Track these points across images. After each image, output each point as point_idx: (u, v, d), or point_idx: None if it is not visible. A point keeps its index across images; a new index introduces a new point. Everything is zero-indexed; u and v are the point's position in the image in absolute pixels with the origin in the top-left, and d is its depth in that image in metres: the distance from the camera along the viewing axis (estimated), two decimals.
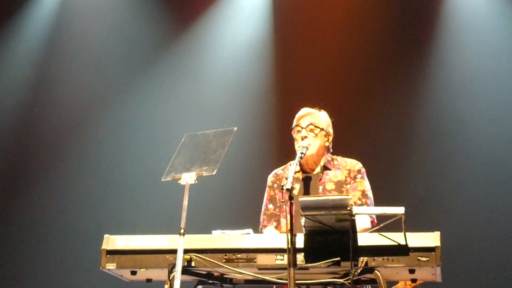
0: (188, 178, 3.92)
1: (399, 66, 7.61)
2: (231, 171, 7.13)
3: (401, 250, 3.84)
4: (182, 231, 3.81)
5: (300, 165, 4.70)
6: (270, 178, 4.87)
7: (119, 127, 7.91)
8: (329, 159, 4.79)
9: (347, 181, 4.70)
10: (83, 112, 7.93)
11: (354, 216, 3.83)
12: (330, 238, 3.87)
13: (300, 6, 7.86)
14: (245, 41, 7.94)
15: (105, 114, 7.94)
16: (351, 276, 3.82)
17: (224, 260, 3.98)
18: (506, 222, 7.08)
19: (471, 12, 7.61)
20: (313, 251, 3.88)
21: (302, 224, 3.94)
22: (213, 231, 4.17)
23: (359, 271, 3.84)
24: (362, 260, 3.85)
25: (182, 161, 4.03)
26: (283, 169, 4.85)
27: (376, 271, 3.88)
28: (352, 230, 3.83)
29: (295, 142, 4.75)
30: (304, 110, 4.83)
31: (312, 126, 4.74)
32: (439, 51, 7.61)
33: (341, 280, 3.93)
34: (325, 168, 4.75)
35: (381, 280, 3.87)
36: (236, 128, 4.04)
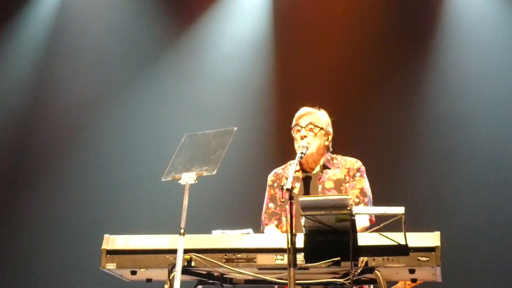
0: (188, 178, 3.92)
1: (399, 65, 7.61)
2: (231, 171, 7.12)
3: (401, 250, 3.84)
4: (182, 231, 3.81)
5: (300, 164, 4.71)
6: (270, 177, 4.87)
7: (119, 127, 7.91)
8: (329, 158, 4.79)
9: (346, 180, 4.71)
10: (83, 112, 7.93)
11: (354, 216, 3.83)
12: (330, 238, 3.87)
13: (300, 6, 7.85)
14: (245, 41, 7.94)
15: (105, 114, 7.94)
16: (351, 276, 3.82)
17: (224, 260, 3.98)
18: (506, 222, 7.08)
19: (471, 11, 7.61)
20: (313, 251, 3.88)
21: (302, 224, 3.94)
22: (213, 231, 4.17)
23: (359, 271, 3.85)
24: (362, 260, 3.85)
25: (182, 161, 4.03)
26: (283, 169, 4.85)
27: (376, 271, 3.88)
28: (352, 230, 3.83)
29: (295, 142, 4.76)
30: (303, 110, 4.84)
31: (312, 125, 4.74)
32: (439, 50, 7.61)
33: (341, 280, 3.93)
34: (324, 167, 4.75)
35: (381, 280, 3.87)
36: (236, 128, 4.04)
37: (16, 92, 7.99)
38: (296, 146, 4.72)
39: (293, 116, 4.85)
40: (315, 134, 4.73)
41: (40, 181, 7.85)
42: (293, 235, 3.78)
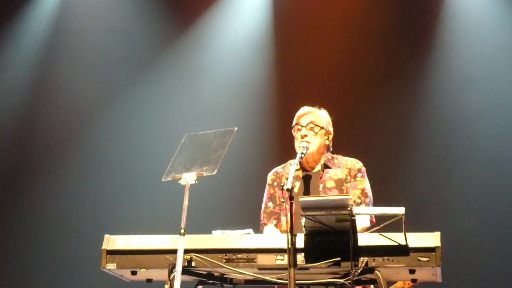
0: (188, 178, 3.92)
1: (399, 65, 7.61)
2: (231, 171, 7.12)
3: (402, 250, 3.84)
4: (182, 231, 3.80)
5: (300, 163, 4.71)
6: (270, 176, 4.88)
7: (119, 127, 7.91)
8: (329, 157, 4.80)
9: (347, 180, 4.71)
10: (83, 112, 7.93)
11: (354, 216, 3.83)
12: (330, 238, 3.87)
13: (300, 5, 7.85)
14: (246, 40, 7.93)
15: (105, 114, 7.94)
16: (351, 276, 3.82)
17: (224, 260, 3.98)
18: (506, 222, 7.08)
19: (471, 11, 7.60)
20: (314, 251, 3.88)
21: (303, 224, 3.94)
22: (213, 231, 4.17)
23: (359, 271, 3.84)
24: (362, 260, 3.85)
25: (183, 161, 4.03)
26: (283, 168, 4.86)
27: (376, 271, 3.88)
28: (352, 230, 3.83)
29: (295, 141, 4.77)
30: (304, 109, 4.84)
31: (312, 124, 4.75)
32: (440, 50, 7.60)
33: (341, 280, 3.93)
34: (325, 166, 4.76)
35: (381, 280, 3.87)
36: (236, 128, 4.04)
37: (16, 92, 7.98)
38: (296, 145, 4.73)
39: (294, 116, 4.86)
40: (316, 133, 4.74)
41: (40, 181, 7.85)
42: (293, 235, 3.78)
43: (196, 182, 3.92)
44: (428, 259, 3.83)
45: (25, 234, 7.72)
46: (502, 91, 7.37)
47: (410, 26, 7.66)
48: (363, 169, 4.76)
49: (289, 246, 3.76)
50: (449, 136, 7.38)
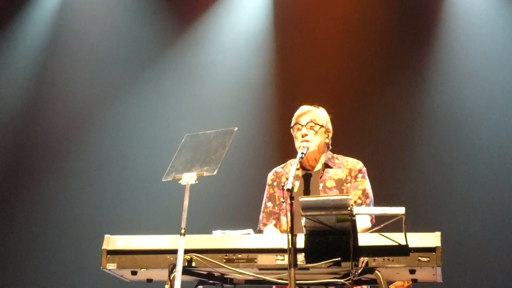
0: (188, 178, 3.92)
1: (399, 65, 7.60)
2: (232, 171, 7.13)
3: (402, 250, 3.84)
4: (182, 231, 3.80)
5: (300, 162, 4.70)
6: (270, 176, 4.88)
7: (119, 127, 7.91)
8: (330, 157, 4.80)
9: (348, 180, 4.71)
10: (83, 112, 7.93)
11: (354, 216, 3.83)
12: (330, 238, 3.87)
13: (300, 5, 7.85)
14: (246, 40, 7.93)
15: (105, 114, 7.94)
16: (352, 277, 3.82)
17: (224, 260, 3.98)
18: (506, 222, 7.08)
19: (471, 11, 7.60)
20: (314, 251, 3.88)
21: (303, 224, 3.94)
22: (213, 231, 4.17)
23: (359, 271, 3.84)
24: (363, 260, 3.85)
25: (183, 161, 4.03)
26: (283, 167, 4.86)
27: (376, 271, 3.88)
28: (352, 230, 3.83)
29: (295, 140, 4.77)
30: (303, 108, 4.84)
31: (312, 123, 4.75)
32: (440, 50, 7.60)
33: (342, 281, 3.93)
34: (326, 165, 4.76)
35: (381, 280, 3.87)
36: (236, 128, 4.04)
37: (16, 92, 7.98)
38: (296, 145, 4.73)
39: (293, 115, 4.86)
40: (316, 132, 4.74)
41: (40, 181, 7.85)
42: (293, 235, 3.78)
43: (197, 182, 3.92)
44: (428, 259, 3.83)
45: (25, 234, 7.72)
46: (502, 91, 7.37)
47: (410, 26, 7.66)
48: (364, 169, 4.76)
49: (289, 246, 3.76)
50: (449, 136, 7.38)
